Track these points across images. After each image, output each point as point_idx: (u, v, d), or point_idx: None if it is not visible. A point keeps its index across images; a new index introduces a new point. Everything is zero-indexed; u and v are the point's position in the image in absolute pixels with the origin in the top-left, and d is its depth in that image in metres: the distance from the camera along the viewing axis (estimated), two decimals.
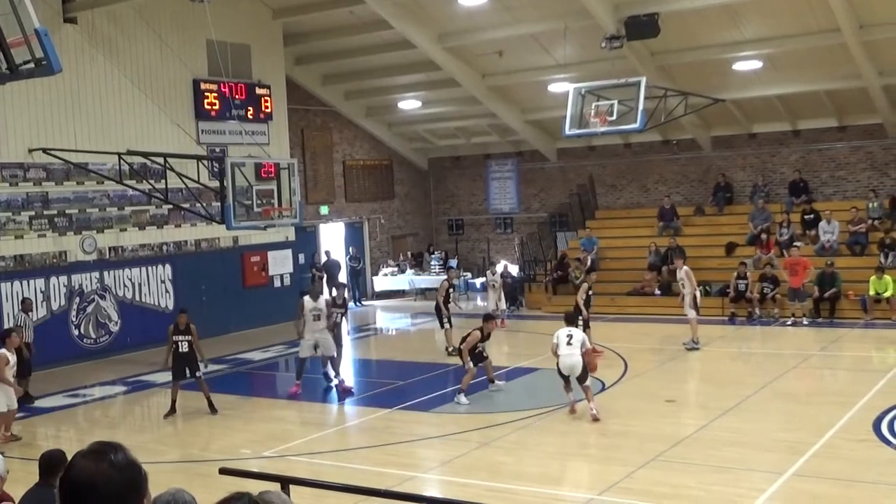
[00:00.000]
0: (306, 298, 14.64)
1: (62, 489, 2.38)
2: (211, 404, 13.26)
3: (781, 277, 19.86)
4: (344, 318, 15.48)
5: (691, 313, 16.92)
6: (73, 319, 18.21)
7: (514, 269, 24.97)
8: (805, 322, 19.07)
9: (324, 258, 25.15)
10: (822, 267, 19.67)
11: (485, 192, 28.55)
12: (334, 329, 14.98)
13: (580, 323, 16.00)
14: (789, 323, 19.15)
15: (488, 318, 14.31)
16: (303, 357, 14.53)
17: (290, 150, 22.86)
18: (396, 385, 15.13)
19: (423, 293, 26.23)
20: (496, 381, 14.19)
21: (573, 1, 18.06)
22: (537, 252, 25.30)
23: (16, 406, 12.18)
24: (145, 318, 19.35)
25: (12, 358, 11.96)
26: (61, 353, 17.45)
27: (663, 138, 24.57)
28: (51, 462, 5.54)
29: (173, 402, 13.36)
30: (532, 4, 19.40)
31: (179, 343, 13.34)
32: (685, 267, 17.44)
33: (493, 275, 21.63)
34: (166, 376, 16.38)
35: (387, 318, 24.39)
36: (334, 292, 24.90)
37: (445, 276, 19.39)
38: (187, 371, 13.37)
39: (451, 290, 18.15)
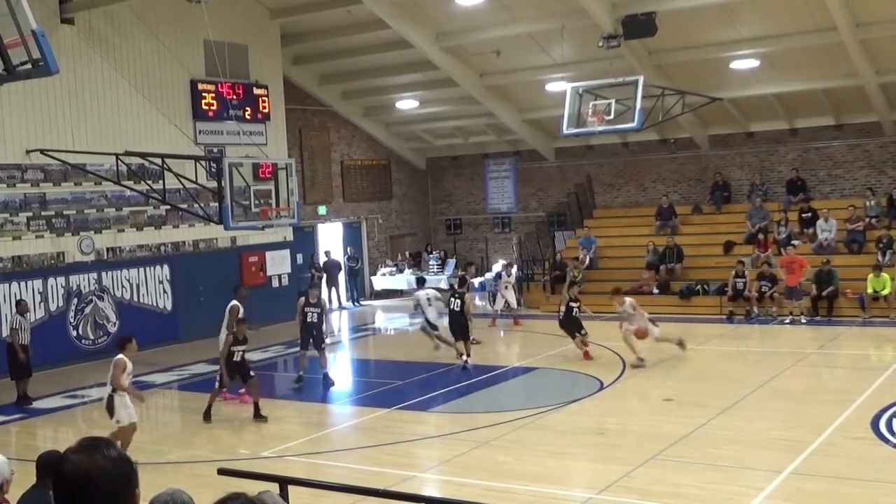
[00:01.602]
0: (238, 304, 14.42)
1: (57, 485, 2.37)
2: (258, 409, 12.82)
3: (779, 276, 19.89)
4: (322, 317, 15.16)
5: (655, 331, 15.74)
6: (71, 320, 18.19)
7: (512, 269, 24.92)
8: (803, 320, 19.08)
9: (324, 258, 25.18)
10: (818, 265, 19.69)
11: (483, 192, 28.55)
12: (310, 328, 14.90)
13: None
14: (787, 321, 19.17)
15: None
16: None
17: (287, 151, 22.86)
18: (395, 385, 15.12)
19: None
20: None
21: (570, 0, 18.07)
22: (535, 251, 25.30)
23: (136, 419, 10.93)
24: (143, 319, 19.32)
25: (130, 365, 10.93)
26: (59, 354, 17.44)
27: (661, 137, 24.59)
28: (48, 463, 5.52)
29: (257, 404, 12.80)
30: (529, 4, 19.40)
31: (236, 352, 12.93)
32: (627, 299, 16.25)
33: (510, 276, 21.70)
34: (165, 377, 16.45)
35: (385, 318, 24.38)
36: (333, 291, 25.26)
37: (464, 272, 20.35)
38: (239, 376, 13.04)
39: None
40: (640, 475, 9.41)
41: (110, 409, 10.76)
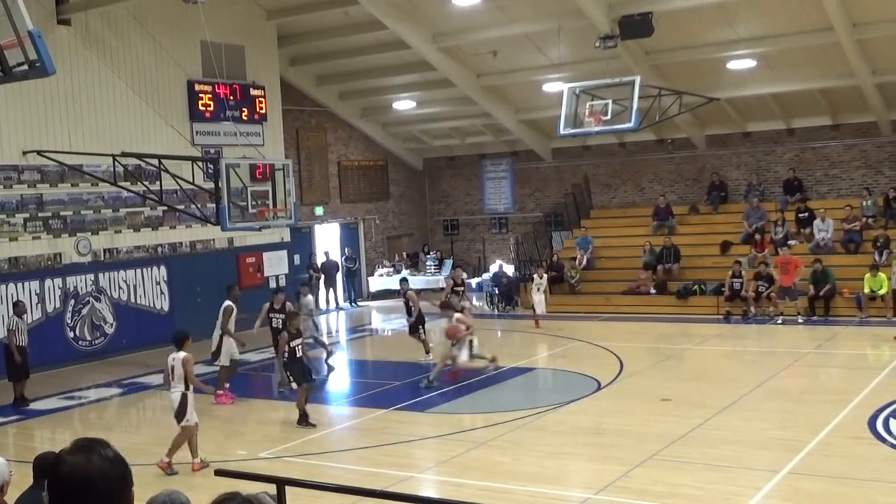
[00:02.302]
0: (232, 305, 14.54)
1: (54, 486, 2.34)
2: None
3: (775, 276, 19.89)
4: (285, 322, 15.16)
5: (464, 355, 14.96)
6: (68, 321, 18.17)
7: (509, 269, 24.95)
8: (799, 320, 19.08)
9: (323, 259, 25.19)
10: (811, 265, 19.68)
11: (480, 192, 28.55)
12: (275, 333, 14.83)
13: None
14: (780, 322, 19.16)
15: (445, 305, 16.03)
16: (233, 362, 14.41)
17: (284, 151, 22.85)
18: (392, 385, 15.12)
19: (419, 293, 26.19)
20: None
21: (567, 1, 18.08)
22: (532, 252, 25.29)
23: (196, 420, 10.70)
24: (140, 320, 19.32)
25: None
26: (56, 355, 17.41)
27: (658, 137, 24.60)
28: (45, 465, 5.51)
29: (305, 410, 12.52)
30: (526, 4, 19.40)
31: (297, 348, 12.68)
32: (457, 314, 15.37)
33: (541, 278, 20.93)
34: (161, 378, 16.38)
35: (382, 319, 24.36)
36: (331, 293, 25.25)
37: (450, 275, 20.00)
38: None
39: (456, 288, 18.67)
40: (637, 475, 9.42)
41: (183, 409, 10.51)
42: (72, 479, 2.31)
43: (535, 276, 21.12)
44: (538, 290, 20.57)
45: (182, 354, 10.65)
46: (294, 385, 12.47)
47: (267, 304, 15.18)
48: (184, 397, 10.52)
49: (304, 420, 12.26)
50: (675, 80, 20.64)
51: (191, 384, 10.60)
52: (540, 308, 20.47)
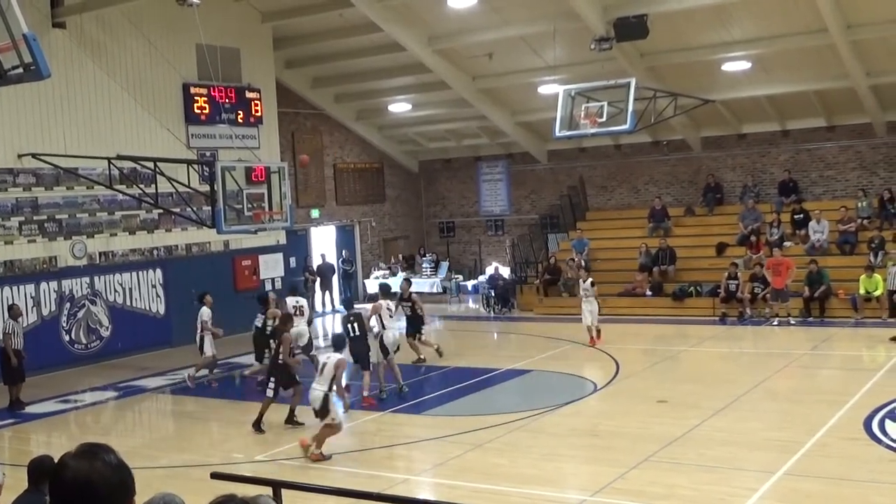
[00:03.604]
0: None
1: (56, 491, 2.35)
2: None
3: (767, 277, 19.90)
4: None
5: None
6: (64, 325, 18.14)
7: (505, 271, 24.96)
8: (792, 322, 19.09)
9: (319, 261, 25.18)
10: (804, 266, 19.70)
11: (476, 194, 28.56)
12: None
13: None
14: (775, 323, 19.17)
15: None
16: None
17: (280, 154, 22.85)
18: (389, 387, 15.08)
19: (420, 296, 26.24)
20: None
21: (562, 3, 18.10)
22: (528, 254, 25.31)
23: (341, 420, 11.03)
24: (136, 323, 19.30)
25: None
26: (52, 358, 17.38)
27: (653, 139, 24.62)
28: (40, 468, 5.50)
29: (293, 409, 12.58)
30: (521, 6, 19.43)
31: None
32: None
33: (585, 281, 17.87)
34: (158, 381, 16.40)
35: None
36: (326, 296, 25.22)
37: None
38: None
39: (403, 302, 17.34)
40: (634, 477, 9.42)
41: (325, 408, 10.77)
42: (74, 483, 2.32)
43: (580, 280, 18.26)
44: (587, 296, 17.57)
45: (336, 356, 10.97)
46: (269, 391, 12.49)
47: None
48: (326, 398, 10.78)
49: (257, 424, 12.21)
50: (670, 82, 20.67)
51: (335, 386, 10.85)
52: (593, 320, 17.62)
